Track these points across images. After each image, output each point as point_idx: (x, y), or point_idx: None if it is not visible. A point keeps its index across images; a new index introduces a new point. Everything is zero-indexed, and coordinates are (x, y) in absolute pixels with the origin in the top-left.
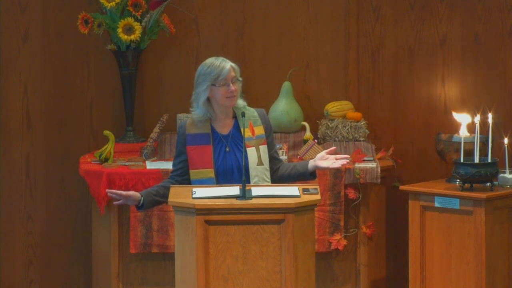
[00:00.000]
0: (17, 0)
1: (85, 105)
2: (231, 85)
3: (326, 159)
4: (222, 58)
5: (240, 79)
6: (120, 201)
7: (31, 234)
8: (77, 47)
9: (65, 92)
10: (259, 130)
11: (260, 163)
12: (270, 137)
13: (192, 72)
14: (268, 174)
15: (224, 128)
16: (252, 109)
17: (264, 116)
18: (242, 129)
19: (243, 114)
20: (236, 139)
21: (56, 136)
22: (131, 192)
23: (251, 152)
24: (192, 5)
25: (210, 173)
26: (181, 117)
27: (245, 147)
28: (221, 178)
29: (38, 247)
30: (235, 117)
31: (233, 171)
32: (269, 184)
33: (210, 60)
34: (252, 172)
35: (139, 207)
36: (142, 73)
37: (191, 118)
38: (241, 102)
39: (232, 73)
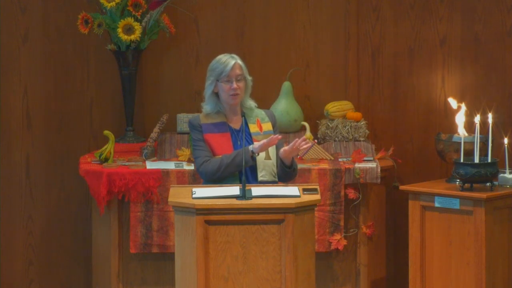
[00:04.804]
0: (17, 0)
1: (85, 105)
2: (234, 82)
3: (289, 152)
4: (232, 55)
5: (250, 78)
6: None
7: (31, 234)
8: (77, 47)
9: (65, 92)
10: (267, 126)
11: (268, 157)
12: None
13: (192, 72)
14: (275, 169)
15: (235, 123)
16: (260, 110)
17: (272, 116)
18: (245, 125)
19: (242, 114)
20: (246, 134)
21: (56, 136)
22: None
23: None
24: (192, 5)
25: None
26: (181, 117)
27: (245, 149)
28: None
29: (38, 247)
30: (243, 115)
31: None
32: (274, 180)
33: (220, 56)
34: (259, 166)
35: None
36: (142, 73)
37: (203, 113)
38: (250, 103)
39: (238, 71)
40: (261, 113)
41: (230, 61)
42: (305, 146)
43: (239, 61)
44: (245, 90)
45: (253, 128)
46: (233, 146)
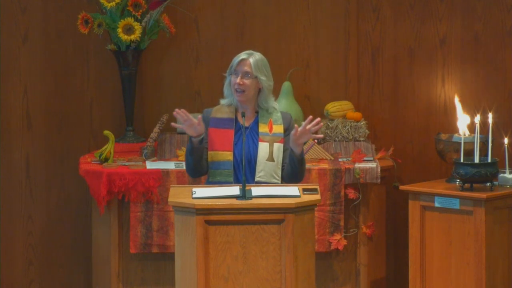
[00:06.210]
0: (17, 0)
1: (85, 105)
2: (239, 77)
3: (300, 135)
4: (252, 52)
5: (264, 78)
6: (183, 126)
7: (31, 234)
8: (77, 47)
9: (65, 92)
10: (278, 129)
11: (271, 159)
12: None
13: (192, 72)
14: (279, 172)
15: (246, 120)
16: (278, 112)
17: (287, 119)
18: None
19: (243, 114)
20: (254, 132)
21: (56, 136)
22: (198, 122)
23: (263, 147)
24: (192, 5)
25: (229, 156)
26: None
27: (244, 150)
28: (235, 164)
29: (38, 247)
30: (257, 112)
31: (242, 161)
32: (276, 182)
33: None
34: (259, 166)
35: (199, 141)
36: (142, 73)
37: (219, 105)
38: (269, 105)
39: (245, 68)
40: (276, 115)
41: (241, 56)
42: (316, 127)
43: (252, 59)
44: (262, 91)
45: (262, 127)
46: (233, 143)
